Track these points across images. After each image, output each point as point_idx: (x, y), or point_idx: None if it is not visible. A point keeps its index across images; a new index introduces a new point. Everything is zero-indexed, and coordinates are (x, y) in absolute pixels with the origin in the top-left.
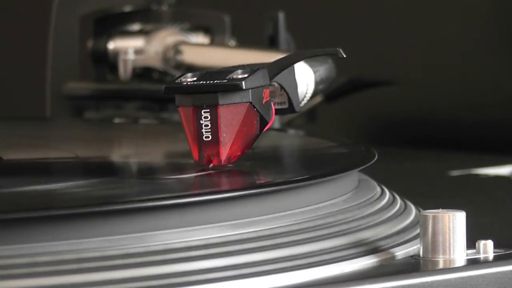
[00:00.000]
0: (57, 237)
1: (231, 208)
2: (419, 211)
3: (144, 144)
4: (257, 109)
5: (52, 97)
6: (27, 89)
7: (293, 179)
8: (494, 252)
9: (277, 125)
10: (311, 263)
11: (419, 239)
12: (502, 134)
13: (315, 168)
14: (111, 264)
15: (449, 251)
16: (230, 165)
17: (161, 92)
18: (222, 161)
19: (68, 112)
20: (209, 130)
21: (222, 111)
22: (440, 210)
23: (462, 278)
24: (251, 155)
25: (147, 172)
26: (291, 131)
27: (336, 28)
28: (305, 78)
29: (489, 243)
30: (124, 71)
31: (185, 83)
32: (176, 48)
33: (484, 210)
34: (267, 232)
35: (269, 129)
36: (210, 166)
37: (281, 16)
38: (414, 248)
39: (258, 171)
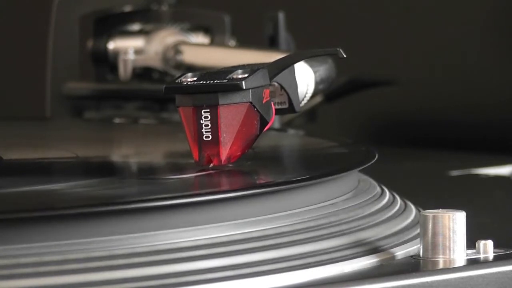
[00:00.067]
0: (57, 237)
1: (231, 208)
2: (419, 211)
3: (144, 144)
4: (257, 109)
5: (52, 97)
6: (27, 89)
7: (293, 179)
8: (494, 252)
9: (277, 125)
10: (311, 263)
11: (419, 239)
12: (502, 134)
13: (315, 168)
14: (111, 264)
15: (449, 251)
16: (230, 165)
17: (161, 92)
18: (222, 161)
19: (68, 112)
20: (209, 130)
21: (222, 111)
22: (440, 210)
23: (462, 278)
24: (251, 155)
25: (147, 172)
26: (291, 131)
27: (336, 28)
28: (305, 78)
29: (489, 243)
30: (124, 71)
31: (185, 83)
32: (176, 48)
33: (484, 210)
34: (267, 232)
35: (269, 129)
36: (210, 166)
37: (281, 16)
38: (414, 248)
39: (258, 171)
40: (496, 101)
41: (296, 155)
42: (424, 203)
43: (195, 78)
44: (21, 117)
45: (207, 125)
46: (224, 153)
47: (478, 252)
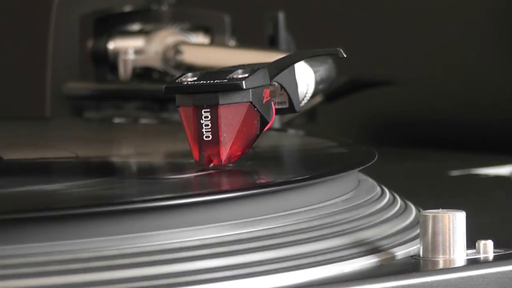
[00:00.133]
0: (57, 237)
1: (231, 208)
2: (419, 211)
3: (144, 144)
4: (257, 109)
5: (52, 97)
6: (27, 89)
7: (293, 179)
8: (494, 252)
9: (277, 125)
10: (311, 263)
11: (419, 239)
12: (502, 134)
13: (315, 168)
14: (111, 264)
15: (449, 251)
16: (231, 165)
17: (161, 92)
18: (223, 161)
19: (68, 112)
20: (210, 129)
21: (223, 111)
22: (440, 210)
23: (462, 278)
24: (252, 155)
25: (147, 172)
26: (291, 131)
27: (336, 28)
28: (306, 78)
29: (489, 243)
30: (124, 71)
31: (185, 83)
32: (176, 48)
33: (484, 210)
34: (267, 232)
35: (269, 129)
36: (210, 166)
37: (281, 16)
38: (414, 248)
39: (258, 171)
40: (496, 101)
41: (296, 155)
42: (424, 203)
43: (195, 78)
44: (21, 117)
45: (207, 125)
46: (224, 153)
47: (478, 252)
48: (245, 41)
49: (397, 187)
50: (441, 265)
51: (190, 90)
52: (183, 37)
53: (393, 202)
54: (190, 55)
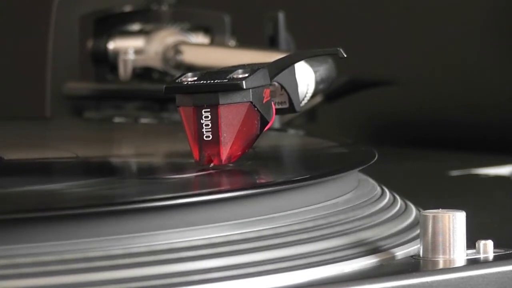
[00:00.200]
0: (57, 237)
1: (231, 208)
2: (419, 211)
3: (144, 144)
4: (257, 109)
5: (52, 97)
6: (27, 89)
7: (293, 179)
8: (494, 252)
9: (277, 124)
10: (311, 263)
11: (419, 239)
12: (502, 134)
13: (315, 168)
14: (111, 264)
15: (449, 251)
16: (231, 165)
17: (161, 92)
18: (223, 161)
19: (68, 112)
20: (210, 129)
21: (223, 111)
22: (440, 210)
23: (462, 278)
24: (252, 155)
25: (147, 172)
26: (291, 131)
27: (336, 28)
28: (306, 78)
29: (489, 243)
30: (124, 71)
31: (185, 83)
32: (176, 48)
33: (484, 210)
34: (267, 232)
35: (269, 128)
36: (210, 166)
37: (281, 16)
38: (414, 248)
39: (259, 171)
40: (496, 101)
41: (296, 155)
42: (424, 203)
43: (195, 78)
44: (21, 117)
45: (208, 125)
46: (225, 152)
47: (478, 252)
48: (245, 41)
49: (397, 187)
50: (441, 265)
51: (190, 90)
52: (183, 37)
53: (393, 202)
54: (190, 55)
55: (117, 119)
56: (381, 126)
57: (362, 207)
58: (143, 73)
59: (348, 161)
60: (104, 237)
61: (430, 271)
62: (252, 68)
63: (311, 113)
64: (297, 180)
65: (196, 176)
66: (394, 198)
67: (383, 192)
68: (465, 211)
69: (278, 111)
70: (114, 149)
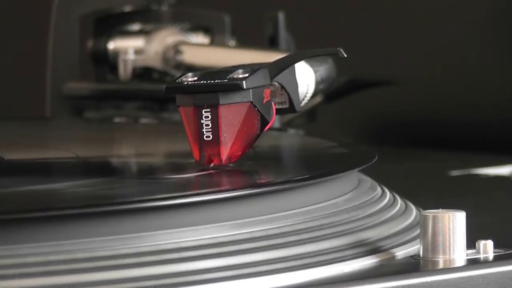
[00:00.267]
0: (57, 237)
1: (231, 208)
2: (419, 211)
3: (144, 144)
4: (257, 109)
5: (52, 97)
6: (27, 89)
7: (293, 179)
8: (494, 252)
9: (277, 124)
10: (311, 263)
11: (419, 239)
12: (502, 134)
13: (315, 168)
14: (111, 264)
15: (449, 251)
16: (231, 165)
17: (161, 92)
18: (223, 161)
19: (68, 112)
20: (210, 129)
21: (223, 111)
22: (440, 210)
23: (462, 278)
24: (252, 155)
25: (147, 172)
26: (291, 131)
27: (336, 28)
28: (306, 78)
29: (489, 243)
30: (124, 71)
31: (186, 83)
32: (176, 48)
33: (484, 210)
34: (267, 232)
35: (270, 128)
36: (210, 166)
37: (281, 16)
38: (414, 248)
39: (259, 170)
40: (496, 101)
41: (296, 155)
42: (424, 203)
43: (195, 78)
44: (21, 117)
45: (208, 125)
46: (225, 152)
47: (478, 252)
48: (245, 41)
49: (397, 187)
50: (441, 265)
51: (190, 90)
52: (183, 37)
53: (393, 202)
54: (190, 55)
55: (117, 119)
56: (381, 126)
57: (362, 207)
58: (143, 73)
59: (348, 161)
60: (104, 237)
61: (430, 271)
62: (252, 68)
63: (311, 113)
64: (297, 180)
65: (196, 176)
66: (394, 198)
67: (383, 192)
68: (465, 211)
69: (278, 111)
70: (114, 149)
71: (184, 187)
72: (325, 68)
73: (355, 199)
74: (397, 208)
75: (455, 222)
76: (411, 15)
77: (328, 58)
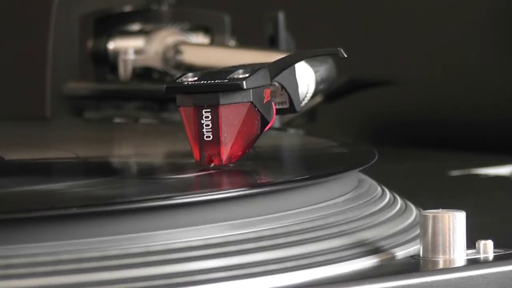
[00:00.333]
0: (57, 237)
1: (232, 208)
2: (419, 211)
3: (144, 144)
4: (258, 109)
5: (52, 97)
6: (27, 89)
7: (293, 179)
8: (494, 252)
9: (277, 124)
10: (311, 264)
11: (419, 239)
12: (502, 134)
13: (315, 168)
14: (111, 264)
15: (449, 251)
16: (231, 165)
17: (161, 92)
18: (223, 161)
19: (68, 112)
20: (210, 129)
21: (223, 111)
22: (440, 210)
23: (462, 278)
24: (252, 155)
25: (147, 172)
26: (291, 131)
27: (336, 28)
28: (306, 78)
29: (489, 243)
30: (124, 71)
31: (186, 83)
32: (176, 48)
33: (484, 210)
34: (267, 232)
35: (270, 128)
36: (211, 166)
37: (281, 16)
38: (414, 248)
39: (259, 171)
40: (496, 101)
41: (296, 155)
42: (424, 203)
43: (196, 78)
44: (21, 117)
45: (208, 125)
46: (225, 153)
47: (478, 252)
48: (245, 41)
49: (397, 187)
50: (441, 265)
51: (191, 90)
52: (183, 37)
53: (393, 202)
54: (190, 55)
55: (117, 119)
56: (381, 126)
57: (362, 207)
58: (143, 73)
59: (348, 161)
60: (104, 237)
61: (430, 271)
62: (252, 68)
63: (311, 113)
64: (297, 180)
65: (196, 176)
66: (394, 198)
67: (383, 192)
68: (465, 211)
69: (279, 111)
70: (114, 149)
71: (184, 187)
72: (325, 68)
73: (355, 199)
74: (397, 208)
75: (455, 222)
76: (411, 15)
77: (328, 58)
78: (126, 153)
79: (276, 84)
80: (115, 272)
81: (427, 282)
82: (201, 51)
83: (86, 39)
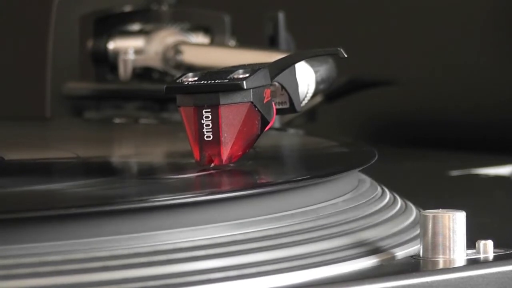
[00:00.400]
0: (57, 237)
1: (231, 208)
2: (419, 211)
3: (144, 144)
4: (258, 109)
5: (52, 97)
6: (27, 89)
7: (294, 179)
8: (494, 252)
9: (277, 124)
10: (311, 264)
11: (419, 239)
12: (502, 134)
13: (315, 168)
14: (111, 264)
15: (449, 251)
16: (231, 165)
17: (161, 92)
18: (223, 161)
19: (68, 112)
20: (210, 130)
21: (223, 111)
22: (440, 210)
23: (462, 278)
24: (252, 155)
25: (148, 172)
26: (291, 131)
27: (336, 28)
28: (306, 78)
29: (489, 243)
30: (124, 71)
31: (186, 83)
32: (176, 48)
33: (484, 210)
34: (267, 233)
35: (270, 128)
36: (211, 166)
37: (281, 16)
38: (414, 248)
39: (259, 171)
40: (496, 101)
41: (296, 155)
42: (424, 203)
43: (196, 78)
44: (21, 117)
45: (208, 125)
46: (225, 153)
47: (478, 252)
48: (245, 41)
49: (397, 187)
50: (441, 265)
51: (191, 90)
52: (183, 37)
53: (393, 202)
54: (190, 55)
55: (117, 119)
56: (381, 126)
57: (362, 207)
58: (143, 73)
59: (348, 161)
60: (104, 237)
61: (430, 271)
62: (252, 68)
63: (311, 113)
64: (297, 180)
65: (196, 176)
66: (394, 198)
67: (383, 192)
68: (465, 211)
69: (279, 111)
70: (114, 149)
71: (185, 187)
72: (326, 68)
73: (355, 199)
74: (397, 208)
75: (455, 222)
76: (411, 15)
77: (328, 58)
78: (126, 153)
79: (276, 84)
80: (115, 272)
81: (427, 282)
82: (201, 51)
83: (86, 39)
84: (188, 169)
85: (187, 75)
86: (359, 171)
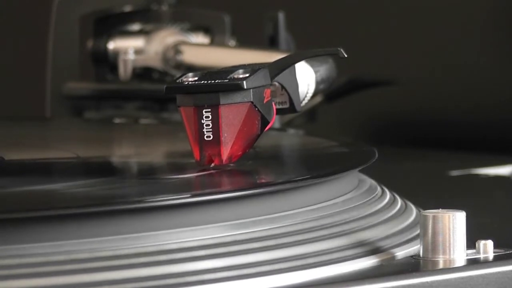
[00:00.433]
0: (57, 237)
1: (232, 208)
2: (419, 211)
3: (144, 144)
4: (258, 109)
5: (52, 97)
6: (27, 89)
7: (294, 179)
8: (494, 252)
9: (277, 124)
10: (311, 264)
11: (419, 239)
12: (502, 134)
13: (315, 168)
14: (111, 265)
15: (449, 251)
16: (231, 165)
17: (161, 92)
18: (223, 161)
19: (68, 112)
20: (210, 129)
21: (223, 111)
22: (440, 210)
23: (462, 278)
24: (252, 155)
25: (148, 172)
26: (291, 131)
27: (336, 28)
28: (306, 78)
29: (489, 243)
30: (124, 71)
31: (186, 83)
32: (176, 48)
33: (484, 210)
34: (267, 233)
35: (270, 128)
36: (211, 166)
37: (281, 16)
38: (414, 248)
39: (259, 170)
40: (496, 101)
41: (296, 155)
42: (424, 203)
43: (196, 78)
44: (21, 117)
45: (208, 125)
46: (225, 152)
47: (478, 252)
48: (245, 41)
49: (397, 187)
50: (441, 265)
51: (191, 90)
52: (183, 37)
53: (393, 202)
54: (190, 55)
55: (117, 119)
56: (381, 126)
57: (362, 207)
58: (143, 73)
59: (348, 161)
60: (104, 237)
61: (430, 271)
62: (252, 68)
63: (311, 113)
64: (297, 180)
65: (196, 176)
66: (394, 198)
67: (383, 192)
68: (465, 211)
69: (279, 111)
70: (114, 149)
71: (185, 187)
72: (326, 68)
73: (355, 199)
74: (397, 208)
75: (455, 222)
76: (411, 15)
77: (328, 58)
78: (126, 153)
79: (276, 84)
80: (115, 273)
81: (427, 282)
82: (201, 51)
83: (86, 39)
84: (188, 169)
85: (187, 75)
86: (359, 171)
